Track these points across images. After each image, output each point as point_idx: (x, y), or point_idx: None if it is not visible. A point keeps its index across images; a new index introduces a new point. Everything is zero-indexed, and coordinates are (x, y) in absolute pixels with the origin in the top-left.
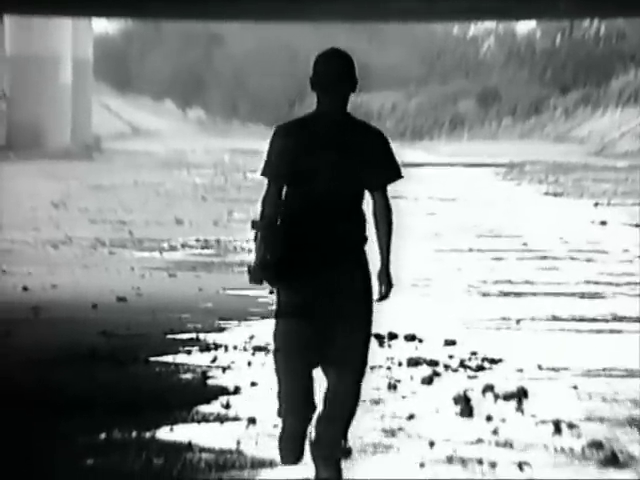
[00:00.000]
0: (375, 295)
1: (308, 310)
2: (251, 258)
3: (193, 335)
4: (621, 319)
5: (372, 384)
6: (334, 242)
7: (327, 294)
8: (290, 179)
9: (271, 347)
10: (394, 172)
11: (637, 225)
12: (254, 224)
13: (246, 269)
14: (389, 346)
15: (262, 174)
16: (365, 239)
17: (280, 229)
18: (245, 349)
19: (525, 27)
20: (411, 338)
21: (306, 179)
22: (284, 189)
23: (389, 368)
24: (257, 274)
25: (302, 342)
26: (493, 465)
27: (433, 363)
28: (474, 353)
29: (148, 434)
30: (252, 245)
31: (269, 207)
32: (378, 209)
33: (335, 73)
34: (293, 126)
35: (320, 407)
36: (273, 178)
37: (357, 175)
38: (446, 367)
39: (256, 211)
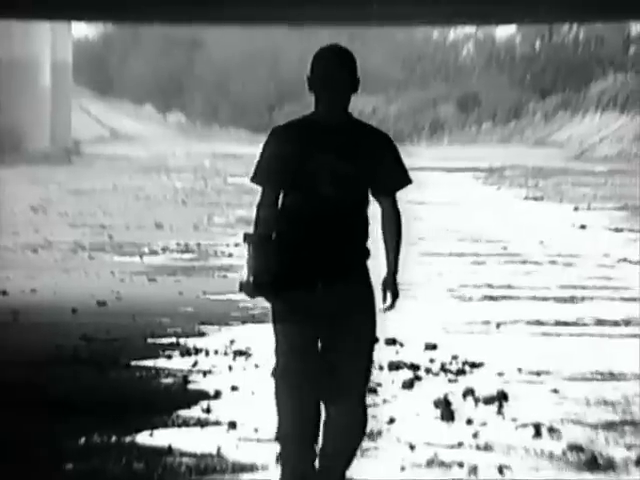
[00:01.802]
0: (379, 304)
1: (307, 329)
2: (231, 263)
3: (173, 339)
4: (601, 323)
5: None
6: (335, 256)
7: (327, 313)
8: (287, 185)
9: (251, 352)
10: (403, 178)
11: (617, 229)
12: (246, 237)
13: (238, 285)
14: None
15: (254, 180)
16: (368, 253)
17: (275, 242)
18: (226, 353)
19: (504, 32)
20: (392, 342)
21: (305, 185)
22: (280, 197)
23: None
24: (250, 290)
25: (304, 364)
26: (474, 468)
27: (414, 367)
28: (455, 357)
29: (128, 438)
30: (234, 251)
31: (264, 217)
32: (387, 217)
33: (335, 71)
34: (291, 128)
35: (322, 442)
36: (268, 184)
37: (361, 181)
38: (427, 371)
39: (236, 215)
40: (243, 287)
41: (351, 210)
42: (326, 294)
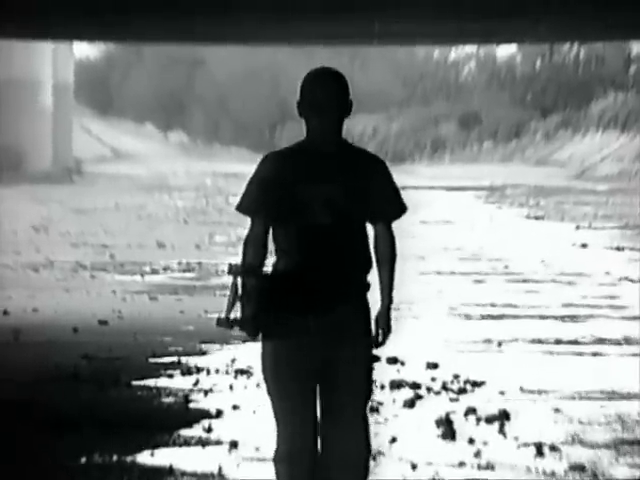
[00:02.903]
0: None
1: (296, 368)
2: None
3: (175, 358)
4: (602, 342)
5: None
6: (329, 291)
7: (322, 353)
8: (277, 216)
9: (253, 371)
10: (399, 206)
11: (618, 248)
12: (231, 268)
13: (215, 320)
14: None
15: (240, 209)
16: (367, 286)
17: (263, 275)
18: (227, 372)
19: (505, 51)
20: (393, 361)
21: (297, 215)
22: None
23: None
24: (226, 324)
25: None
26: None
27: (415, 386)
28: (456, 376)
29: (129, 458)
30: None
31: (253, 250)
32: (380, 244)
33: (325, 95)
34: (282, 155)
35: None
36: (257, 214)
37: (356, 209)
38: (428, 390)
39: (237, 234)
40: (220, 322)
41: (347, 240)
42: (321, 331)
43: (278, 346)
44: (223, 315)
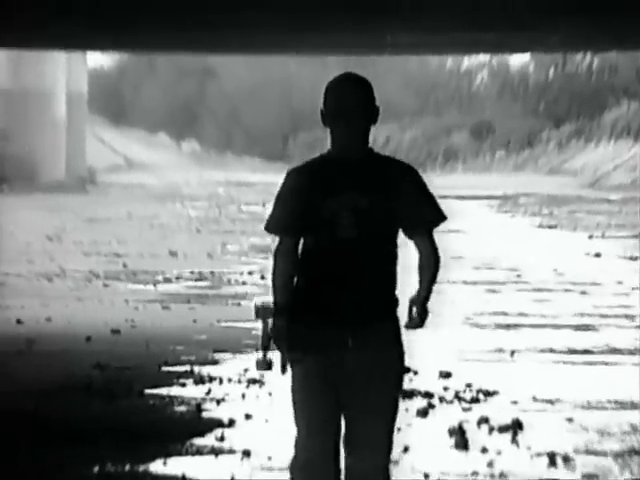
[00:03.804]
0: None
1: (327, 393)
2: (245, 291)
3: (187, 367)
4: (615, 351)
5: None
6: (357, 310)
7: (351, 372)
8: (306, 232)
9: (265, 380)
10: (437, 213)
11: (631, 257)
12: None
13: (255, 364)
14: None
15: (269, 229)
16: (397, 302)
17: (291, 310)
18: (239, 381)
19: (518, 60)
20: (406, 370)
21: (325, 230)
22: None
23: None
24: (265, 365)
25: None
26: None
27: (428, 395)
28: (469, 385)
29: (142, 467)
30: (248, 279)
31: (283, 264)
32: (424, 256)
33: (351, 103)
34: (306, 168)
35: None
36: (285, 232)
37: (387, 221)
38: (441, 399)
39: (250, 243)
40: (259, 365)
41: (375, 254)
42: (351, 351)
43: (307, 362)
44: (260, 356)
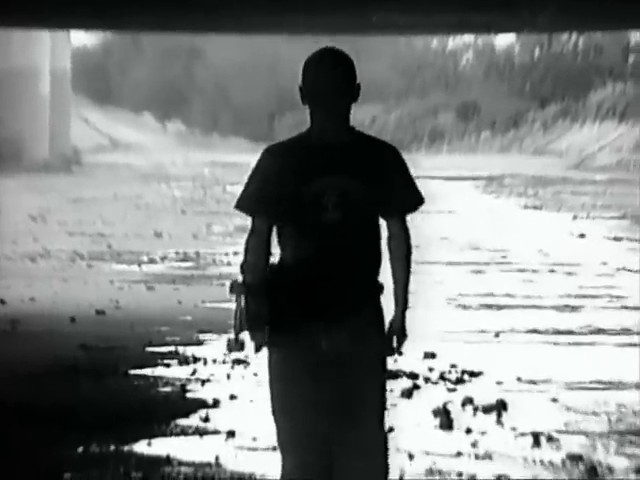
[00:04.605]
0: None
1: (308, 384)
2: (230, 271)
3: (172, 348)
4: (600, 332)
5: None
6: (339, 295)
7: (334, 359)
8: (281, 214)
9: (250, 360)
10: (415, 197)
11: (616, 238)
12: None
13: (226, 344)
14: None
15: (240, 208)
16: (380, 289)
17: (268, 287)
18: (224, 362)
19: (504, 41)
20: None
21: (304, 213)
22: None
23: None
24: (237, 347)
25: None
26: (473, 478)
27: (413, 376)
28: (454, 366)
29: (126, 447)
30: (233, 260)
31: (255, 251)
32: (394, 242)
33: (331, 80)
34: (283, 147)
35: None
36: (259, 213)
37: (369, 203)
38: (426, 380)
39: (235, 223)
40: (231, 346)
41: (360, 238)
42: (332, 338)
43: (287, 356)
44: (232, 337)
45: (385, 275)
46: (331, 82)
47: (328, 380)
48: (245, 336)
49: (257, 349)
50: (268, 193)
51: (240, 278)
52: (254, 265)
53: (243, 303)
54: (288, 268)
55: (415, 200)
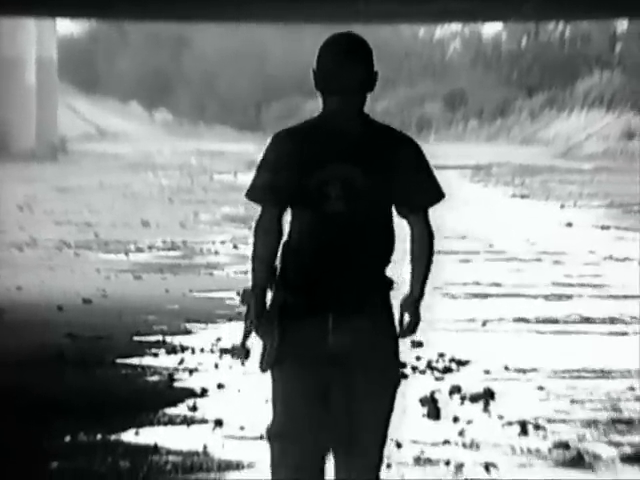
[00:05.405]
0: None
1: (314, 374)
2: (218, 260)
3: (159, 337)
4: (587, 320)
5: None
6: (349, 286)
7: (340, 354)
8: (291, 203)
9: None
10: (434, 191)
11: (603, 227)
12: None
13: (232, 351)
14: None
15: (250, 197)
16: (391, 283)
17: (277, 290)
18: (212, 351)
19: (491, 29)
20: (402, 364)
21: (313, 202)
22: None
23: None
24: (243, 353)
25: (307, 420)
26: (460, 466)
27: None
28: (441, 355)
29: (114, 436)
30: (220, 248)
31: (263, 239)
32: (417, 237)
33: (346, 67)
34: (294, 133)
35: None
36: (268, 201)
37: (381, 196)
38: (413, 369)
39: (222, 212)
40: (237, 352)
41: (369, 230)
42: (339, 332)
43: (292, 348)
44: (239, 344)
45: (396, 269)
46: (346, 69)
47: (333, 381)
48: (251, 344)
49: (263, 366)
50: (276, 181)
51: (249, 286)
52: (264, 264)
53: (253, 310)
54: (293, 263)
55: (434, 195)
